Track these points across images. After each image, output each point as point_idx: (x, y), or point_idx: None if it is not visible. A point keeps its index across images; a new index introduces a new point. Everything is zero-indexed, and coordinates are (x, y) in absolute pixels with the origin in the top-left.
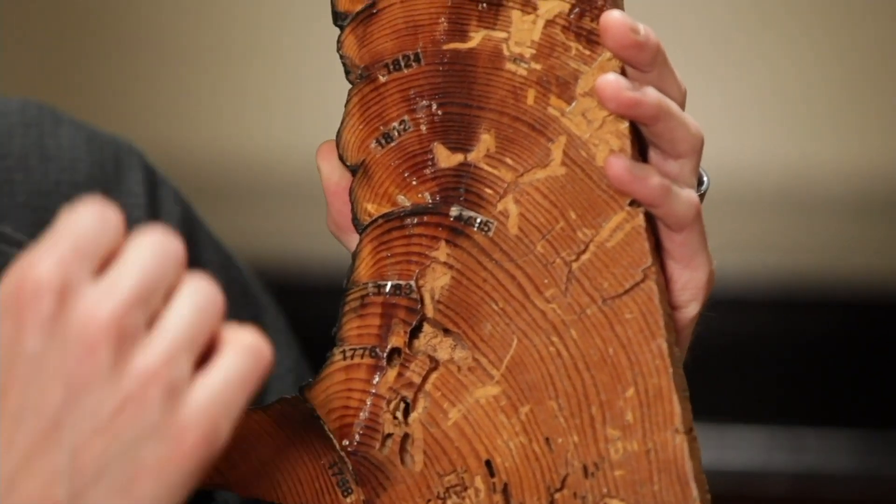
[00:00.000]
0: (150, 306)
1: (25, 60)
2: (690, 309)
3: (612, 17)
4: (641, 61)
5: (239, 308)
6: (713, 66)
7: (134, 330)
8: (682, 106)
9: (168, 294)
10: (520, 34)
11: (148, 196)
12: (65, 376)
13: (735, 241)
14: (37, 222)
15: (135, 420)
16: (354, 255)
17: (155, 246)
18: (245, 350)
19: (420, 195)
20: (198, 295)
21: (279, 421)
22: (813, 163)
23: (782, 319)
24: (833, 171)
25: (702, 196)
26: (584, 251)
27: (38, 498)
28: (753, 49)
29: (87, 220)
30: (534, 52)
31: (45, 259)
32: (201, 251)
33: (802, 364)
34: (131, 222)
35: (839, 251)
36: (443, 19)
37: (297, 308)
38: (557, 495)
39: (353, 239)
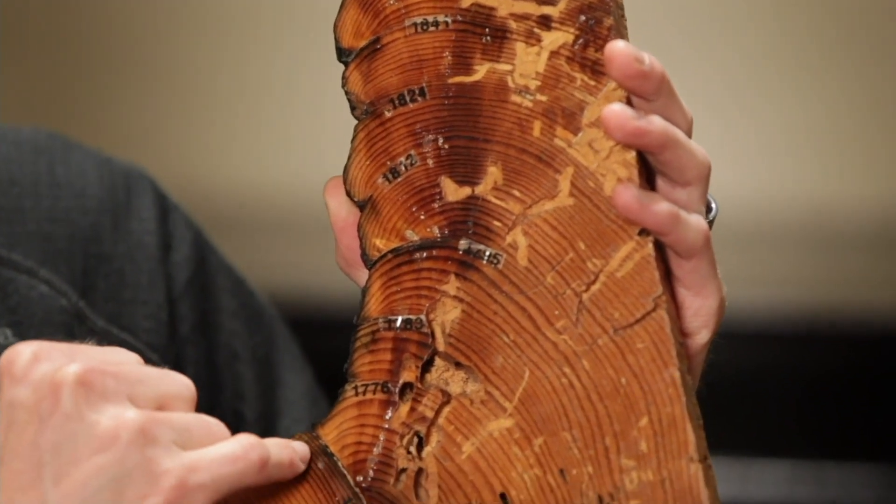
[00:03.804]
0: (131, 386)
1: (37, 93)
2: (702, 336)
3: (616, 47)
4: (646, 90)
5: (252, 332)
6: (741, 101)
7: (102, 388)
8: (689, 134)
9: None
10: (524, 66)
11: (158, 221)
12: (35, 412)
13: (759, 276)
14: (46, 249)
15: (112, 458)
16: (364, 291)
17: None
18: (243, 443)
19: (428, 229)
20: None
21: None
22: (836, 198)
23: (805, 354)
24: (856, 206)
25: (710, 223)
26: (594, 282)
27: None
28: (781, 84)
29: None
30: (539, 83)
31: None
32: (213, 276)
33: (825, 398)
34: (141, 248)
35: (862, 285)
36: (447, 53)
37: (310, 342)
38: None
39: (363, 274)
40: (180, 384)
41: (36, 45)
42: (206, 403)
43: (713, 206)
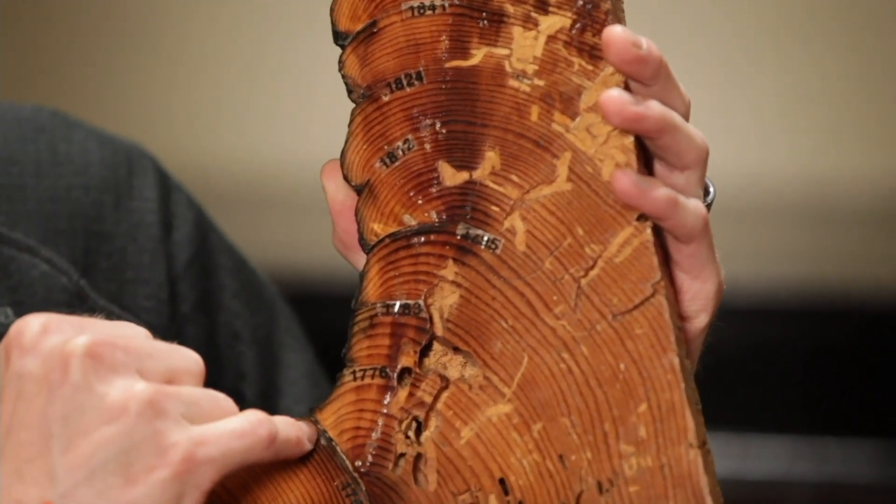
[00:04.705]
0: (140, 360)
1: (37, 70)
2: (700, 320)
3: (613, 32)
4: (644, 75)
5: (253, 312)
6: (738, 77)
7: (111, 360)
8: (687, 117)
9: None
10: (522, 50)
11: (160, 201)
12: (44, 383)
13: (758, 252)
14: (48, 227)
15: (121, 430)
16: (362, 276)
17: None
18: (251, 419)
19: (426, 214)
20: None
21: None
22: (835, 173)
23: (805, 329)
24: (855, 182)
25: (708, 206)
26: (592, 267)
27: (31, 500)
28: (778, 60)
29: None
30: (536, 68)
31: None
32: (214, 256)
33: (825, 374)
34: (142, 227)
35: (862, 261)
36: (444, 37)
37: (309, 318)
38: None
39: (360, 257)
40: (189, 359)
41: (35, 23)
42: (208, 383)
43: (711, 189)
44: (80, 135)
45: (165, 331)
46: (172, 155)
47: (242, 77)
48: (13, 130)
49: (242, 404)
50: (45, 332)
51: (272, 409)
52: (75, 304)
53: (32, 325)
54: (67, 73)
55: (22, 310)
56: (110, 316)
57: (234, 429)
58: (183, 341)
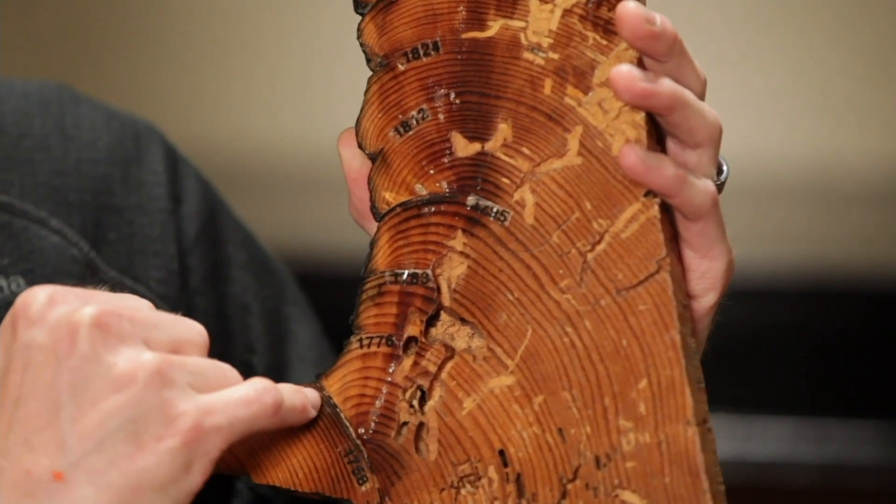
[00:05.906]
0: (146, 330)
1: (42, 54)
2: (708, 299)
3: (627, 7)
4: (657, 51)
5: (261, 284)
6: (739, 58)
7: (118, 330)
8: (702, 95)
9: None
10: (537, 23)
11: (168, 174)
12: (52, 353)
13: (761, 233)
14: (57, 200)
15: (129, 399)
16: (372, 244)
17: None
18: (257, 387)
19: (437, 184)
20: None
21: None
22: (838, 154)
23: (808, 310)
24: (858, 163)
25: (722, 184)
26: (599, 242)
27: (42, 469)
28: (778, 40)
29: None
30: (551, 41)
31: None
32: (223, 229)
33: (828, 355)
34: (152, 200)
35: (865, 242)
36: (461, 8)
37: (315, 298)
38: (570, 486)
39: (375, 225)
40: (193, 330)
41: (40, 8)
42: (217, 355)
43: (725, 168)
44: (88, 109)
45: (176, 303)
46: (180, 132)
47: (250, 55)
48: (21, 105)
49: (251, 377)
50: (52, 303)
51: (281, 382)
52: (86, 274)
53: (38, 296)
54: (76, 50)
55: (33, 278)
56: (122, 288)
57: (240, 397)
58: (193, 314)
